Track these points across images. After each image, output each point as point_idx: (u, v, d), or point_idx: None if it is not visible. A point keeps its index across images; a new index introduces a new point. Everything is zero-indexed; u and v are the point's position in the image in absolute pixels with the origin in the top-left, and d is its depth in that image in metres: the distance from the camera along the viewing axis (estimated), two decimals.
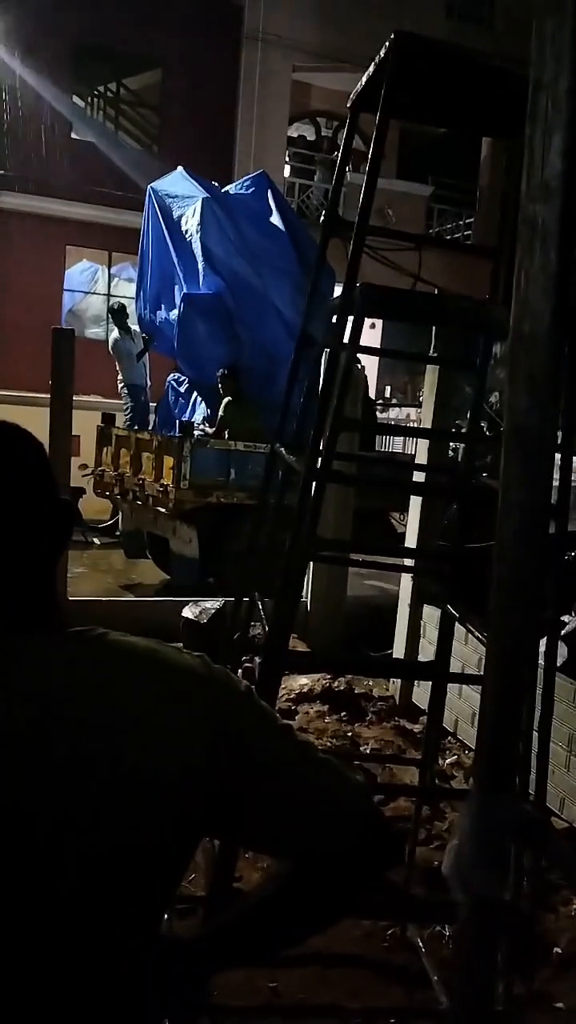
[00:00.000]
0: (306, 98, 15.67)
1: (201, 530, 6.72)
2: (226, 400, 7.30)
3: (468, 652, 4.05)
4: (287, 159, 15.08)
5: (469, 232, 16.14)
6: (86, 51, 13.14)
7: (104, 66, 13.81)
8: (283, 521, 2.95)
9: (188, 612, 5.44)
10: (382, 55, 1.84)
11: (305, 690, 4.83)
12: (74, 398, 6.07)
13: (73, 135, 13.29)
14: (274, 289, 7.47)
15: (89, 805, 0.83)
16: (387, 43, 1.80)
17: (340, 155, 2.33)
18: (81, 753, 0.83)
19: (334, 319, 2.04)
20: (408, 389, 17.73)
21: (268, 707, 1.00)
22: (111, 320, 9.01)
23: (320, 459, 1.85)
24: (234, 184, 8.07)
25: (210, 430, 7.34)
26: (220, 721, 0.91)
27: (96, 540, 9.08)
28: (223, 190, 7.92)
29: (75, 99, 13.69)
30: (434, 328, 3.87)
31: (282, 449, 2.52)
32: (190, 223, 7.43)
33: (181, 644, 5.26)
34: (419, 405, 12.94)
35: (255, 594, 2.56)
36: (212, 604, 5.48)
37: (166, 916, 2.35)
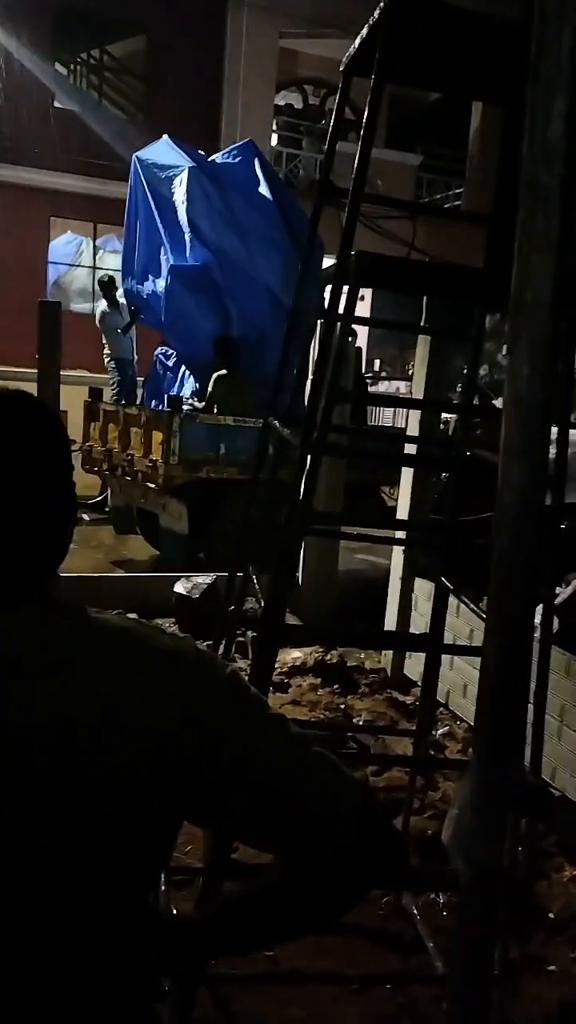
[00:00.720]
0: (293, 65, 15.43)
1: (191, 505, 6.68)
2: (217, 374, 7.24)
3: (460, 624, 4.06)
4: (274, 128, 14.86)
5: (459, 202, 16.00)
6: (68, 16, 12.86)
7: (87, 32, 13.52)
8: (274, 495, 2.94)
9: (180, 587, 5.44)
10: (376, 16, 1.79)
11: (298, 663, 4.85)
12: (61, 372, 6.03)
13: (56, 104, 13.05)
14: (262, 260, 7.38)
15: (57, 779, 0.82)
16: (381, 2, 1.76)
17: (332, 121, 2.28)
18: (49, 727, 0.82)
19: (328, 289, 2.01)
20: (398, 363, 17.68)
21: (257, 693, 0.96)
22: (100, 293, 8.88)
23: (315, 432, 1.83)
24: (221, 153, 7.94)
25: (199, 404, 7.28)
26: (194, 707, 0.88)
27: (85, 516, 9.06)
28: (209, 159, 7.79)
29: (57, 66, 13.41)
30: (425, 299, 3.83)
31: (276, 422, 2.50)
32: (176, 193, 7.32)
33: (173, 619, 5.27)
34: (409, 378, 12.91)
35: (250, 568, 2.56)
36: (204, 579, 5.48)
37: (163, 887, 2.36)
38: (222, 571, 5.54)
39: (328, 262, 2.59)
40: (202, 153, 7.82)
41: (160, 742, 0.86)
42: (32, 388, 5.14)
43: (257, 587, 2.52)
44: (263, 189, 7.61)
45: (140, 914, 0.92)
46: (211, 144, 13.39)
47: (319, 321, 2.81)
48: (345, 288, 1.98)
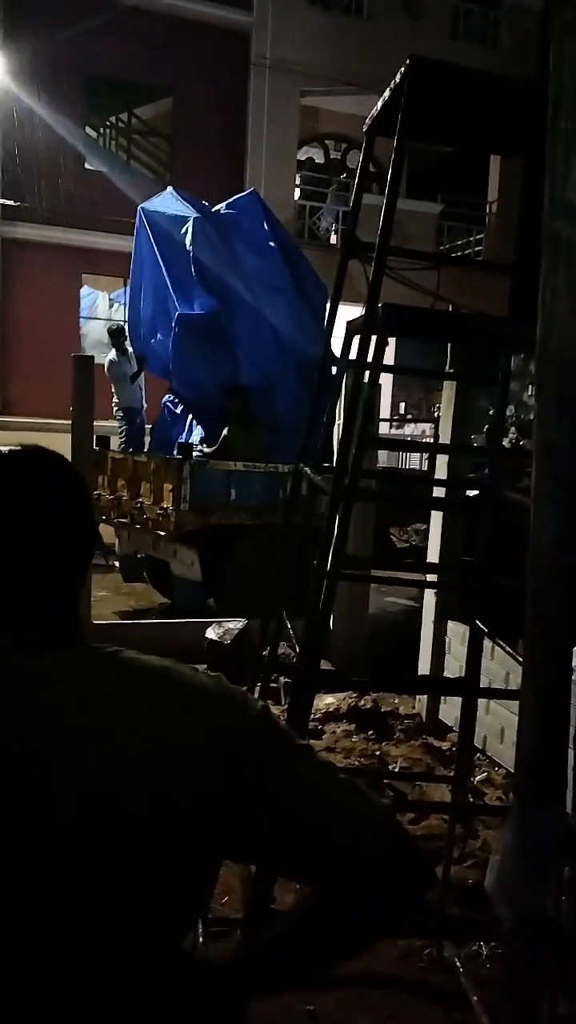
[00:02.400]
0: (314, 121, 15.86)
1: (202, 552, 6.60)
2: (232, 419, 7.22)
3: (495, 667, 4.02)
4: (297, 182, 15.24)
5: (480, 248, 16.20)
6: (98, 82, 13.40)
7: (116, 97, 14.06)
8: (300, 540, 2.97)
9: (212, 633, 5.46)
10: (397, 80, 1.87)
11: (331, 709, 4.82)
12: (37, 419, 6.03)
13: (86, 165, 13.52)
14: (268, 307, 7.46)
15: (98, 823, 0.83)
16: (402, 68, 1.84)
17: (357, 179, 2.36)
18: (90, 771, 0.83)
19: (356, 339, 2.06)
20: (423, 405, 17.75)
21: (285, 727, 0.99)
22: (108, 342, 9.01)
23: (347, 478, 1.87)
24: (225, 203, 8.09)
25: (208, 450, 7.27)
26: (233, 741, 0.90)
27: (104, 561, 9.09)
28: (213, 209, 7.94)
29: (88, 130, 13.93)
30: (449, 344, 3.89)
31: (307, 469, 2.54)
32: (182, 243, 7.41)
33: (205, 665, 5.28)
34: (434, 421, 12.94)
35: (283, 613, 2.57)
36: (235, 624, 5.49)
37: (201, 939, 2.34)
38: (235, 616, 5.56)
39: (340, 308, 2.65)
40: (206, 203, 7.99)
41: (201, 777, 0.87)
42: (61, 439, 5.23)
43: (292, 632, 2.53)
44: (267, 237, 7.72)
45: (178, 957, 0.93)
46: None
47: (338, 369, 2.86)
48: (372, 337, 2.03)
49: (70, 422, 5.70)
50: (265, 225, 7.79)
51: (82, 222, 12.83)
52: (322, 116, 15.85)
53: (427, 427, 14.45)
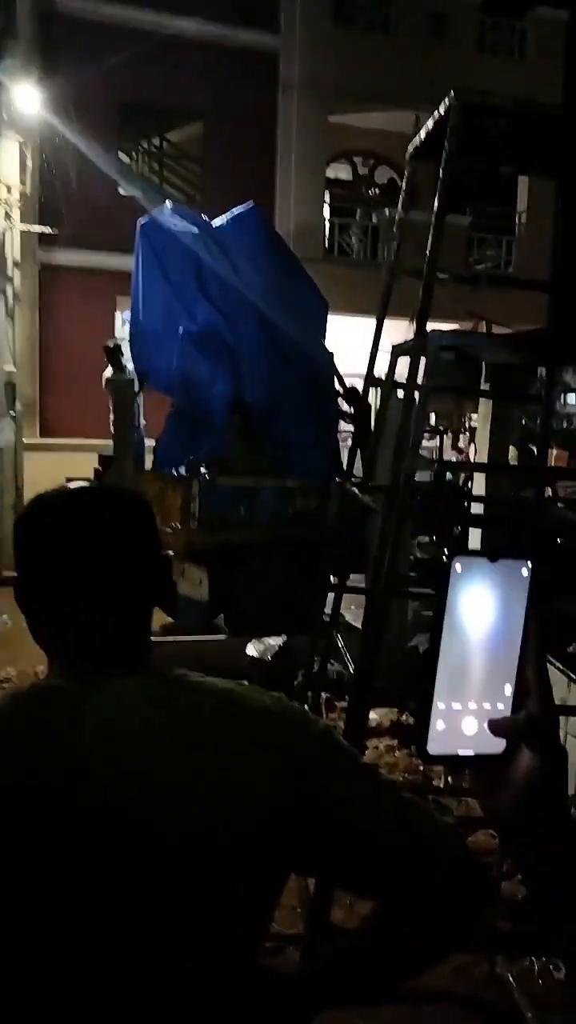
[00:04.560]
0: (342, 138, 15.99)
1: (211, 570, 6.50)
2: (236, 435, 7.20)
3: None
4: (325, 199, 15.37)
5: (510, 258, 16.17)
6: (131, 109, 13.66)
7: (148, 122, 14.32)
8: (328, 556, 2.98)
9: (252, 650, 5.49)
10: (442, 112, 1.93)
11: (373, 724, 4.83)
12: (74, 440, 5.96)
13: (120, 190, 13.77)
14: (271, 321, 7.42)
15: (160, 843, 0.85)
16: (447, 100, 1.89)
17: (400, 205, 2.42)
18: (152, 795, 0.86)
19: (401, 360, 2.10)
20: (454, 416, 17.65)
21: (349, 746, 1.00)
22: (106, 358, 9.02)
23: (399, 497, 1.91)
24: (225, 217, 8.12)
25: (213, 467, 7.15)
26: (297, 761, 0.92)
27: None
28: (214, 223, 7.99)
29: (121, 155, 14.20)
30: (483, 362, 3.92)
31: (354, 488, 2.58)
32: (183, 258, 7.43)
33: (246, 681, 5.29)
34: (466, 431, 12.85)
35: (333, 631, 2.61)
36: (276, 641, 5.52)
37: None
38: (242, 635, 5.50)
39: (344, 319, 2.69)
40: (205, 218, 8.03)
41: (265, 797, 0.90)
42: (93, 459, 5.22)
43: (343, 649, 2.57)
44: (269, 251, 7.66)
45: (250, 970, 0.96)
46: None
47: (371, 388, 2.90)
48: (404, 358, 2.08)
49: (104, 442, 5.77)
50: (266, 239, 7.78)
51: (116, 245, 13.04)
52: (350, 132, 15.98)
53: (461, 438, 14.36)
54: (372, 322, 2.71)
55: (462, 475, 9.34)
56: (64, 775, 0.86)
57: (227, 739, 0.91)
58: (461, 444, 13.94)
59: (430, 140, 2.06)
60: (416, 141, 2.19)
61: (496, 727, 0.59)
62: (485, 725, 0.59)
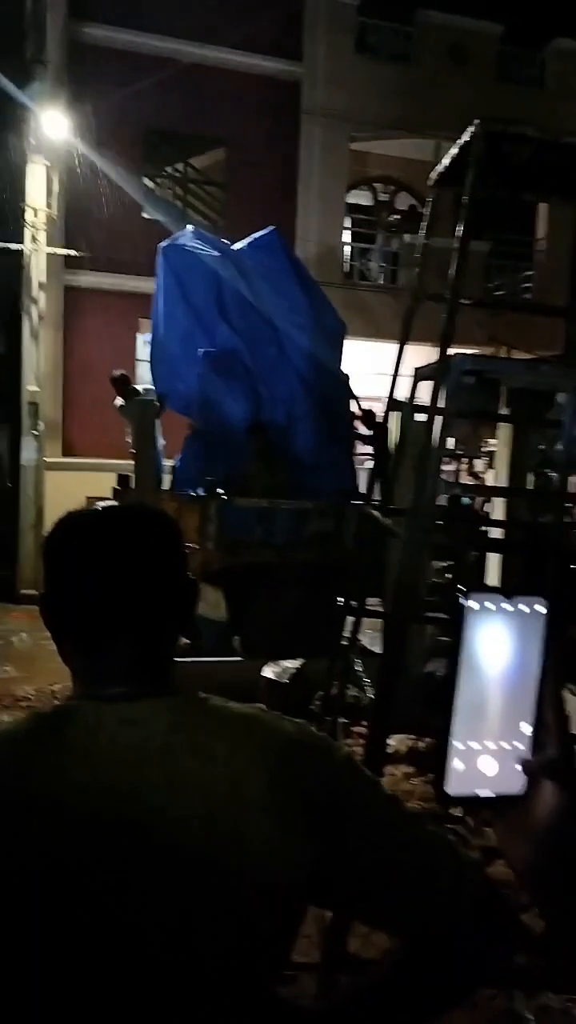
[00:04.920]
0: (363, 165, 16.16)
1: (228, 591, 6.50)
2: (254, 456, 7.22)
3: None
4: (346, 225, 15.51)
5: (528, 285, 16.20)
6: (156, 136, 13.89)
7: (172, 148, 14.54)
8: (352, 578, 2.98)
9: (269, 672, 5.48)
10: (466, 139, 1.94)
11: (390, 751, 4.78)
12: (95, 460, 6.00)
13: (144, 214, 13.97)
14: (290, 344, 7.49)
15: (176, 869, 0.84)
16: (471, 129, 1.91)
17: (424, 231, 2.43)
18: (170, 819, 0.85)
19: (421, 384, 2.11)
20: (471, 440, 17.60)
21: (372, 776, 0.99)
22: (115, 389, 9.04)
23: (421, 521, 1.90)
24: (246, 241, 8.17)
25: (230, 489, 7.20)
26: (319, 790, 0.90)
27: None
28: (235, 247, 8.03)
29: (145, 180, 14.42)
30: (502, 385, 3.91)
31: (376, 512, 2.58)
32: (204, 281, 7.50)
33: (263, 705, 5.27)
34: (483, 456, 12.80)
35: (350, 655, 2.60)
36: (292, 664, 5.50)
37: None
38: (258, 657, 5.48)
39: (362, 343, 2.70)
40: (226, 242, 8.09)
41: (283, 825, 0.88)
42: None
43: (361, 673, 2.55)
44: (287, 274, 7.75)
45: (267, 1005, 0.93)
46: (287, 242, 14.03)
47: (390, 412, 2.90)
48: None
49: (124, 462, 5.82)
50: (285, 262, 7.86)
51: (140, 269, 13.20)
52: (371, 159, 16.15)
53: (478, 462, 14.33)
54: (390, 347, 2.72)
55: (478, 500, 9.31)
56: (81, 797, 0.86)
57: (248, 766, 0.90)
58: (477, 469, 13.90)
59: (453, 167, 2.08)
60: (440, 167, 2.21)
61: (525, 767, 0.58)
62: (504, 765, 0.58)
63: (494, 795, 0.59)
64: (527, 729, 0.58)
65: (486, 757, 0.59)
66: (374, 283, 15.09)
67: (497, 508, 4.97)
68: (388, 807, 0.95)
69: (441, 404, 1.94)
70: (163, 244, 8.02)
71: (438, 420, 1.96)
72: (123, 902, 0.84)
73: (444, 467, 13.01)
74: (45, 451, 12.14)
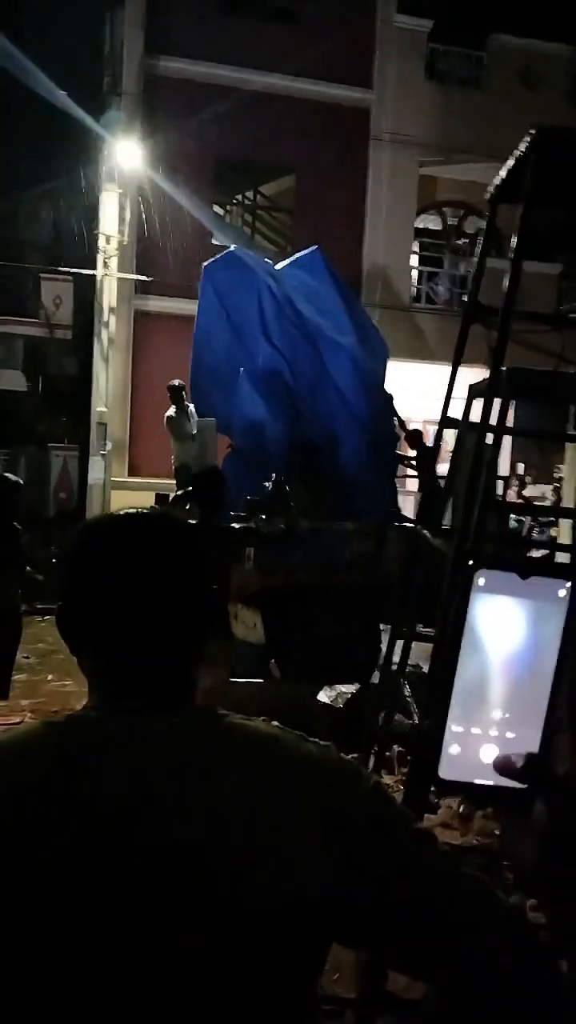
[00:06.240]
0: (431, 189, 16.14)
1: (265, 614, 6.28)
2: (295, 476, 7.13)
3: None
4: (415, 249, 15.49)
5: None
6: (226, 165, 14.17)
7: (242, 176, 14.81)
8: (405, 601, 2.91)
9: (324, 696, 5.40)
10: (523, 150, 1.89)
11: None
12: (159, 480, 5.88)
13: (213, 240, 14.23)
14: (332, 364, 7.45)
15: (186, 892, 0.81)
16: (526, 138, 1.86)
17: (480, 248, 2.38)
18: (180, 840, 0.82)
19: (478, 402, 2.05)
20: (543, 467, 17.27)
21: (400, 807, 0.93)
22: (170, 396, 9.13)
23: (469, 541, 1.84)
24: (289, 261, 8.14)
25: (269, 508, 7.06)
26: (343, 819, 0.85)
27: None
28: (277, 266, 7.99)
29: (215, 208, 14.70)
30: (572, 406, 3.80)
31: (426, 532, 2.52)
32: (246, 300, 7.52)
33: (315, 728, 5.19)
34: (555, 481, 12.53)
35: (401, 680, 2.53)
36: (347, 688, 5.42)
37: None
38: (298, 681, 5.36)
39: (431, 366, 2.64)
40: (269, 262, 8.09)
41: (305, 850, 0.83)
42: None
43: (409, 699, 2.48)
44: (330, 294, 7.72)
45: None
46: (355, 268, 14.10)
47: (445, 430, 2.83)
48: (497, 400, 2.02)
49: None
50: (329, 281, 7.84)
51: None
52: (439, 184, 16.12)
53: (547, 489, 14.03)
54: (463, 369, 2.65)
55: (526, 524, 9.13)
56: (86, 813, 0.83)
57: (267, 788, 0.86)
58: (527, 492, 13.61)
59: (510, 180, 2.03)
60: (496, 181, 2.16)
61: (498, 765, 0.52)
62: (506, 754, 0.52)
63: (492, 784, 0.54)
64: (539, 721, 0.53)
65: (489, 745, 0.54)
66: (442, 306, 14.99)
67: (564, 532, 4.81)
68: (420, 842, 0.88)
69: (493, 421, 1.88)
70: (206, 264, 8.11)
71: (488, 438, 1.90)
72: (122, 926, 0.81)
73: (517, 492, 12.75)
74: (112, 470, 12.38)
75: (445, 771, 0.54)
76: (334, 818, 0.85)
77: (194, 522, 3.67)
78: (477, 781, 0.54)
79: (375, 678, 5.01)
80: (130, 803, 0.83)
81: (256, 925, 0.82)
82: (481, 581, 0.52)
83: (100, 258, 12.88)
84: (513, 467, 16.66)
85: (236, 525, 5.65)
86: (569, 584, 0.52)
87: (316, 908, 0.84)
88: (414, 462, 8.94)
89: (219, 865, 0.82)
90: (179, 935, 0.80)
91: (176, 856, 0.82)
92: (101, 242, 12.77)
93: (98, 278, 13.07)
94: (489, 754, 0.53)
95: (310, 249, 8.24)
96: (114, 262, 12.81)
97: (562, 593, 0.52)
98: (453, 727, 0.53)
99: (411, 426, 8.81)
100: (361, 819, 0.87)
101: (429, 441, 9.55)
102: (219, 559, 4.32)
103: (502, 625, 0.52)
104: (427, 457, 8.31)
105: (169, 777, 0.85)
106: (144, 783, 0.84)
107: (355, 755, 3.07)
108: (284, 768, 0.88)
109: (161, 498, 7.75)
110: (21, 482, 6.10)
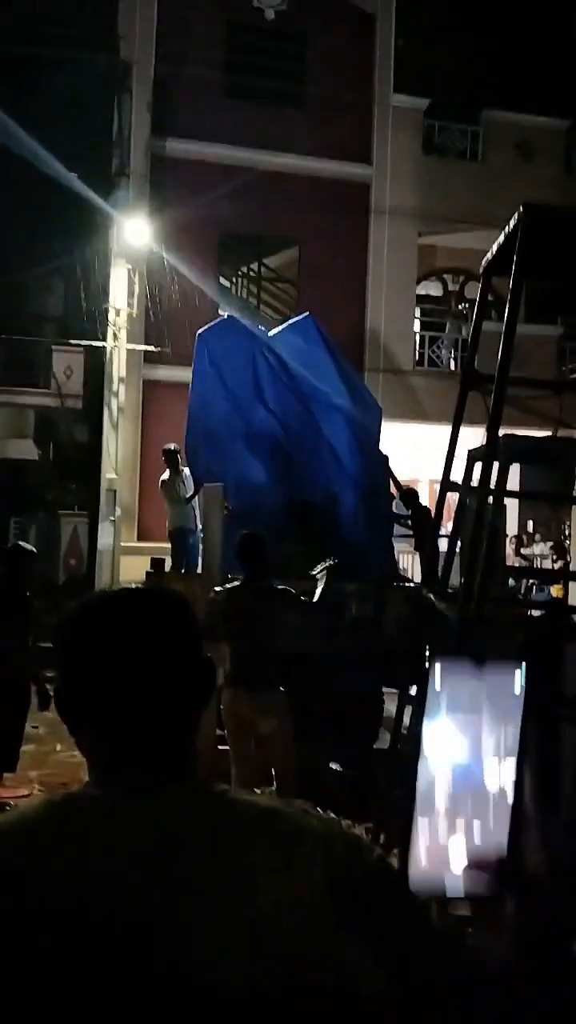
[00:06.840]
0: (431, 257, 16.56)
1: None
2: (293, 539, 7.10)
3: None
4: (416, 315, 15.82)
5: None
6: (231, 239, 14.64)
7: (247, 249, 15.27)
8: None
9: (334, 763, 5.33)
10: (512, 226, 1.97)
11: None
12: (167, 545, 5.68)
13: (220, 312, 14.59)
14: (327, 427, 7.53)
15: (185, 975, 0.79)
16: (516, 215, 1.94)
17: (475, 316, 2.46)
18: (207, 909, 0.81)
19: (479, 464, 2.09)
20: (552, 524, 17.24)
21: (404, 884, 0.96)
22: (164, 461, 9.18)
23: (473, 604, 1.85)
24: (282, 327, 8.32)
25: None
26: (346, 895, 0.85)
27: None
28: (271, 333, 8.16)
29: (221, 280, 15.12)
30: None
31: (432, 595, 2.54)
32: (241, 366, 7.64)
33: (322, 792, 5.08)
34: (562, 539, 12.47)
35: (402, 747, 2.51)
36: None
37: None
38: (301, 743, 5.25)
39: (435, 428, 2.68)
40: (263, 328, 8.27)
41: (311, 925, 0.83)
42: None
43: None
44: (324, 358, 7.84)
45: None
46: (357, 336, 14.43)
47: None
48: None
49: None
50: (321, 346, 7.99)
51: None
52: (439, 252, 16.55)
53: (536, 545, 14.00)
54: (465, 431, 2.69)
55: (523, 584, 9.07)
56: (85, 893, 0.82)
57: (267, 866, 0.85)
58: (524, 551, 13.58)
59: (502, 253, 2.11)
60: (488, 256, 2.24)
61: (469, 879, 0.54)
62: (475, 862, 0.54)
63: (462, 895, 0.56)
64: (503, 823, 0.54)
65: (455, 854, 0.55)
66: (444, 369, 15.24)
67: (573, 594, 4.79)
68: (421, 921, 0.90)
69: (492, 485, 1.92)
70: (200, 331, 8.28)
71: (489, 501, 1.93)
72: (123, 1009, 0.79)
73: (526, 550, 12.67)
74: (121, 535, 12.44)
75: (416, 883, 0.55)
76: (340, 894, 0.85)
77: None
78: (448, 892, 0.56)
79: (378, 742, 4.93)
80: (127, 884, 0.82)
81: (270, 999, 0.81)
82: (436, 684, 0.54)
83: (110, 330, 13.19)
84: (524, 524, 16.67)
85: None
86: (522, 669, 0.55)
87: (324, 980, 0.82)
88: (410, 521, 8.99)
89: (224, 946, 0.81)
90: (186, 1019, 0.79)
91: (179, 937, 0.81)
92: (111, 315, 13.11)
93: (108, 349, 13.37)
94: (457, 861, 0.55)
95: (302, 315, 8.46)
96: (123, 333, 13.12)
97: (517, 681, 0.55)
98: (420, 833, 0.55)
99: (414, 485, 8.86)
100: (366, 892, 0.87)
101: (424, 500, 9.63)
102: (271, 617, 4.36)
103: (462, 724, 0.54)
104: (423, 516, 8.36)
105: (170, 856, 0.84)
106: (146, 863, 0.84)
107: (368, 825, 3.02)
108: (288, 845, 0.87)
109: (157, 563, 7.77)
110: (35, 551, 6.14)
